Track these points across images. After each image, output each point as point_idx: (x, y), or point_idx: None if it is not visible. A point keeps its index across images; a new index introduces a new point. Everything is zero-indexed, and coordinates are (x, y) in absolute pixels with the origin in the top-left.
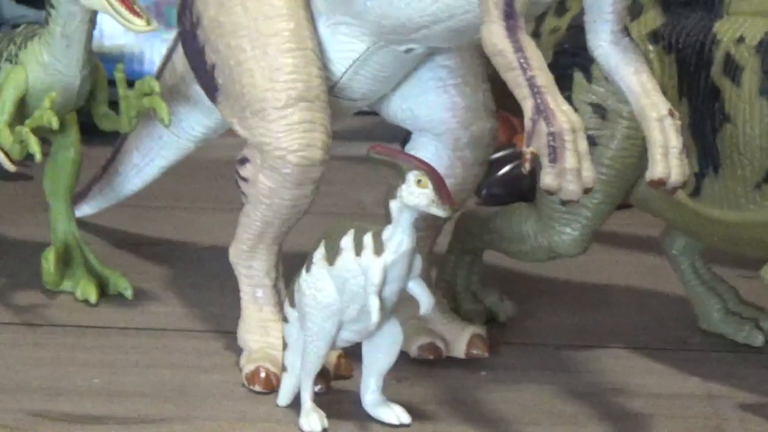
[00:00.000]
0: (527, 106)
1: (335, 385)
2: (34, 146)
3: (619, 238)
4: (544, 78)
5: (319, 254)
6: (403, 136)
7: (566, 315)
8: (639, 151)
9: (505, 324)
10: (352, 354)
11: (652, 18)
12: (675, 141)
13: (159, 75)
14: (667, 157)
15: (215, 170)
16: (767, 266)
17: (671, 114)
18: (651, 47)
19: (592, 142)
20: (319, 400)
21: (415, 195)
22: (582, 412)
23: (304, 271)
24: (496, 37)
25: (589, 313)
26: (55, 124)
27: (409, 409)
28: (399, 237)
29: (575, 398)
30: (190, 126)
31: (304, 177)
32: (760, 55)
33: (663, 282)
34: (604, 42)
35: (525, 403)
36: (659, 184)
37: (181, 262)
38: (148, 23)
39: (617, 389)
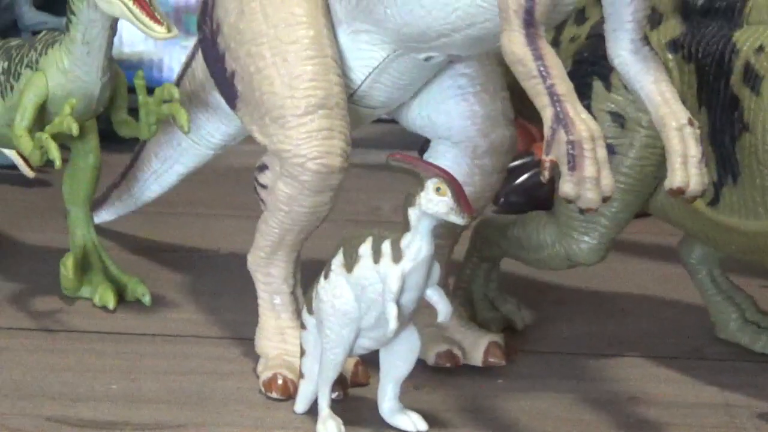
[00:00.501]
0: (547, 114)
1: (352, 393)
2: (54, 152)
3: (637, 246)
4: (564, 86)
5: (338, 261)
6: (422, 144)
7: (583, 323)
8: (658, 160)
9: (522, 332)
10: (370, 361)
11: (672, 27)
12: (694, 150)
13: (178, 82)
14: (687, 166)
15: (234, 177)
16: None
17: (691, 123)
18: (670, 56)
19: (611, 150)
20: (336, 407)
21: (434, 203)
22: (598, 421)
23: (322, 278)
24: (516, 45)
25: (606, 322)
26: (75, 130)
27: (426, 416)
28: (417, 244)
29: (592, 407)
30: (209, 133)
31: (323, 184)
32: None
33: (680, 291)
34: (623, 51)
35: (542, 411)
36: (678, 192)
37: (199, 269)
38: (169, 30)
39: (634, 398)
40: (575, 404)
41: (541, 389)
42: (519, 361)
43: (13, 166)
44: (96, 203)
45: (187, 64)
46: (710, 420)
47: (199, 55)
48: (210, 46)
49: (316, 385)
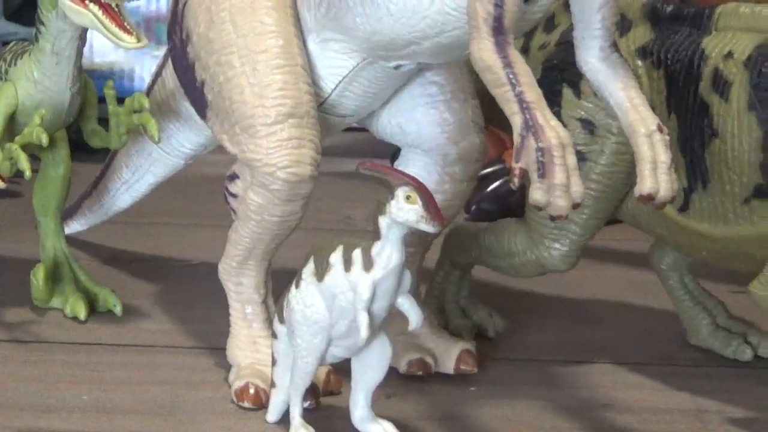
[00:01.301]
0: (516, 121)
1: (324, 401)
2: (24, 163)
3: (608, 253)
4: (533, 94)
5: (309, 270)
6: (393, 153)
7: (555, 330)
8: (628, 167)
9: (494, 339)
10: (342, 370)
11: (641, 34)
12: (664, 156)
13: (149, 91)
14: (656, 172)
15: (205, 186)
16: (756, 281)
17: (660, 129)
18: (640, 63)
19: (581, 157)
20: (308, 416)
21: (404, 211)
22: (571, 428)
23: (293, 287)
24: (485, 52)
25: (578, 329)
26: (45, 140)
27: (399, 424)
28: (388, 253)
29: (564, 414)
30: (179, 142)
31: (294, 193)
32: (749, 70)
33: (652, 297)
34: (592, 57)
35: (514, 418)
36: (648, 199)
37: (170, 279)
38: (138, 40)
39: (606, 404)
40: (547, 411)
41: (514, 396)
42: (491, 368)
43: None
44: (67, 213)
45: (158, 74)
46: (682, 426)
47: (170, 65)
48: (180, 56)
49: (288, 394)
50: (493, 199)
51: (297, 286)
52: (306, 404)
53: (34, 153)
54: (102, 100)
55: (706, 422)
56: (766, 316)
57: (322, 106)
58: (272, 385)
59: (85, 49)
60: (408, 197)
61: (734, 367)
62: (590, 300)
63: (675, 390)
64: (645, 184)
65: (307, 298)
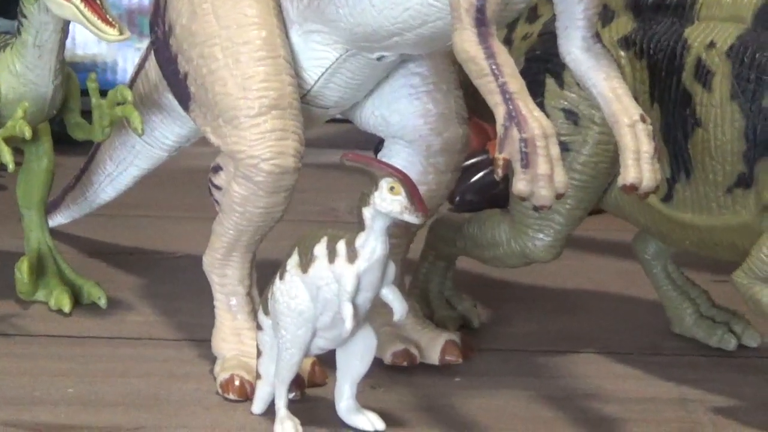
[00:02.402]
0: (499, 112)
1: (310, 393)
2: (7, 156)
3: (592, 243)
4: (516, 84)
5: (293, 262)
6: (376, 144)
7: (539, 321)
8: (611, 157)
9: (478, 330)
10: (327, 361)
11: (624, 24)
12: (647, 146)
13: (132, 84)
14: (639, 162)
15: (188, 179)
16: (739, 270)
17: (643, 119)
18: (622, 53)
19: (564, 147)
20: (293, 407)
21: (387, 202)
22: (556, 418)
23: (277, 278)
24: (467, 43)
25: (562, 319)
26: (27, 133)
27: (384, 415)
28: (372, 244)
29: (549, 404)
30: (163, 135)
31: (277, 185)
32: (731, 60)
33: (636, 287)
34: (575, 48)
35: (499, 408)
36: (631, 189)
37: (155, 271)
38: (121, 32)
39: (591, 394)
40: (532, 401)
41: (498, 387)
42: (476, 359)
43: None
44: (51, 206)
45: (141, 66)
46: (666, 415)
47: (152, 57)
48: (162, 48)
49: (272, 386)
50: (477, 189)
51: (281, 277)
52: (291, 395)
53: (17, 146)
54: (85, 92)
55: (691, 411)
56: (749, 304)
57: (305, 97)
58: (257, 376)
59: (68, 42)
60: (392, 188)
61: (718, 356)
62: (574, 290)
63: (659, 379)
64: (628, 174)
65: (291, 289)
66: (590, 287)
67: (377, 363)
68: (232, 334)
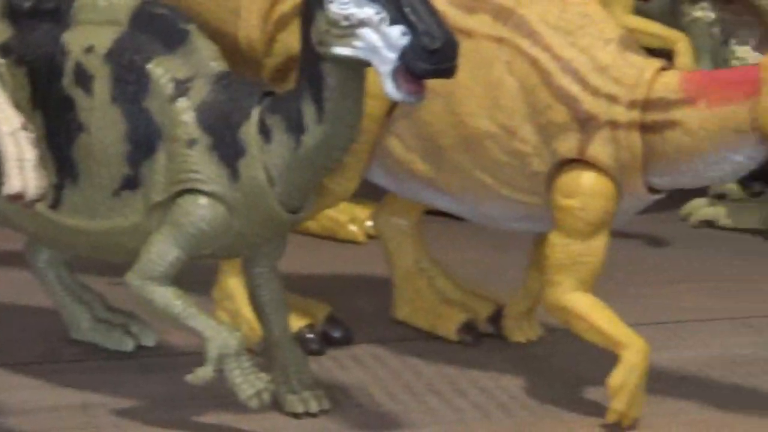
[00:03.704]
0: None
1: None
2: None
3: None
4: None
5: None
6: None
7: None
8: None
9: None
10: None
11: (1, 31)
12: (29, 154)
13: None
14: (23, 170)
15: None
16: (131, 271)
17: (24, 127)
18: (2, 61)
19: None
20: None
21: None
22: None
23: None
24: None
25: None
26: None
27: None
28: None
29: None
30: None
31: None
32: (110, 63)
33: (30, 296)
34: None
35: None
36: (18, 198)
37: None
38: None
39: None
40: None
41: None
42: None
43: None
44: None
45: None
46: (69, 422)
47: None
48: None
49: None
50: None
51: None
52: None
53: None
54: None
55: (93, 416)
56: (143, 304)
57: None
58: None
59: None
60: None
61: (119, 359)
62: None
63: (62, 387)
64: (12, 183)
65: None
66: None
67: None
68: None
